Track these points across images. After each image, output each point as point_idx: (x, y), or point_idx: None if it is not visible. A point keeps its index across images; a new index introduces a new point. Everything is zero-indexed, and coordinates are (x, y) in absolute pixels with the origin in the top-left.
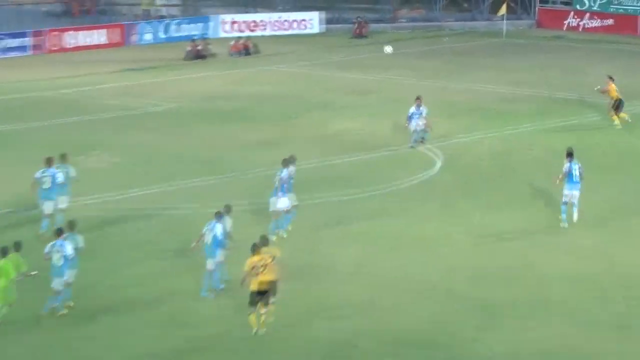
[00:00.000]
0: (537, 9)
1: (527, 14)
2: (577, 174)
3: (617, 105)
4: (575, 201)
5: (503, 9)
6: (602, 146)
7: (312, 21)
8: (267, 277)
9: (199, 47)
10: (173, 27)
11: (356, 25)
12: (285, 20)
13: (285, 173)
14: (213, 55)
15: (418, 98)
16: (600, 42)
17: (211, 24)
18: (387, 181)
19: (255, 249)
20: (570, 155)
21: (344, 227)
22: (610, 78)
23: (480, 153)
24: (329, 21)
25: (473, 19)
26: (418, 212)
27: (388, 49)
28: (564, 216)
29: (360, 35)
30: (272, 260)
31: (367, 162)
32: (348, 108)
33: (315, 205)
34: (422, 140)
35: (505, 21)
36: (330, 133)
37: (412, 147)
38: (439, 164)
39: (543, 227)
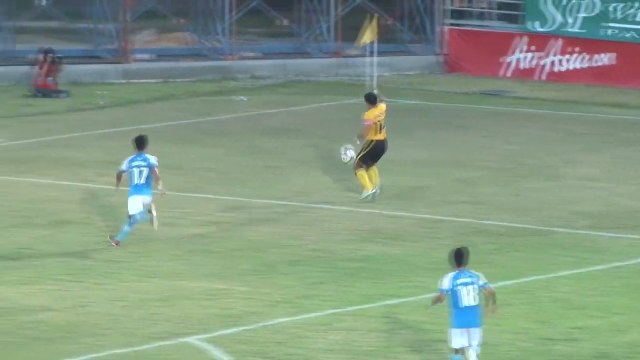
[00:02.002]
0: (442, 30)
1: (425, 41)
2: (470, 295)
3: (371, 153)
4: (475, 344)
5: (369, 33)
6: None
7: None
8: None
9: None
10: None
11: (42, 65)
12: None
13: None
14: None
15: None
16: (594, 107)
17: None
18: None
19: None
20: (458, 258)
21: None
22: (372, 100)
23: None
24: None
25: (300, 52)
26: None
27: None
28: None
29: (48, 90)
30: None
31: None
32: None
33: None
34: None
35: (375, 58)
36: None
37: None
38: None
39: None
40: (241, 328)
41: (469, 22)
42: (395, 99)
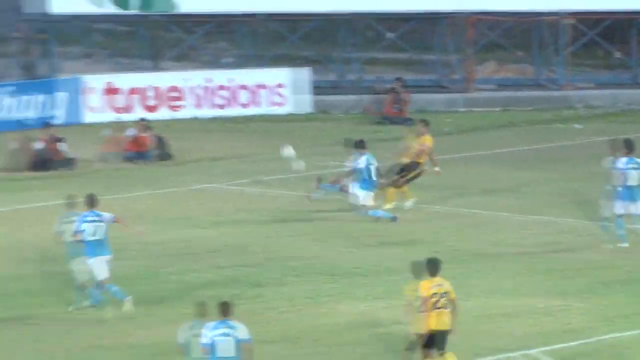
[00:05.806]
0: None
1: None
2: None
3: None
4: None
5: None
6: None
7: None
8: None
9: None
10: None
11: (392, 94)
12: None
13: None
14: (70, 162)
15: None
16: None
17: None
18: None
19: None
20: (628, 146)
21: None
22: (424, 122)
23: None
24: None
25: (632, 83)
26: None
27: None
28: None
29: (395, 117)
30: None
31: None
32: None
33: None
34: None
35: None
36: None
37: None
38: None
39: None
40: (579, 342)
41: None
42: None
